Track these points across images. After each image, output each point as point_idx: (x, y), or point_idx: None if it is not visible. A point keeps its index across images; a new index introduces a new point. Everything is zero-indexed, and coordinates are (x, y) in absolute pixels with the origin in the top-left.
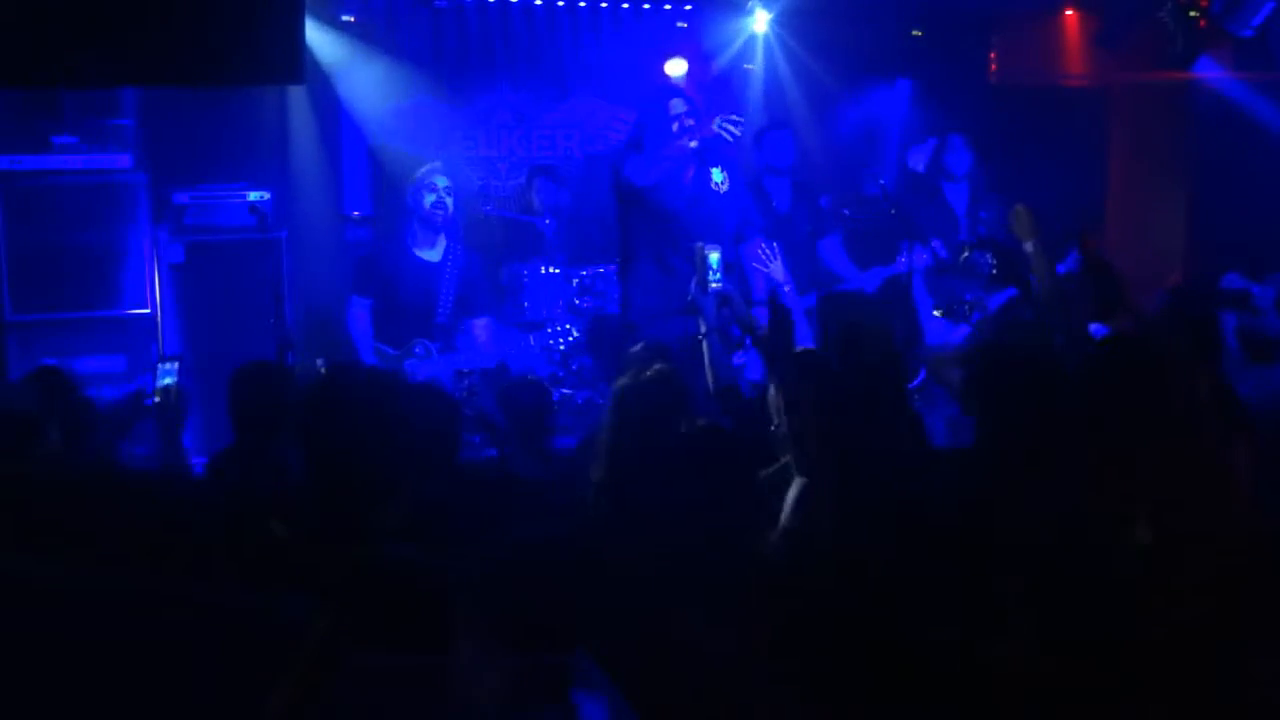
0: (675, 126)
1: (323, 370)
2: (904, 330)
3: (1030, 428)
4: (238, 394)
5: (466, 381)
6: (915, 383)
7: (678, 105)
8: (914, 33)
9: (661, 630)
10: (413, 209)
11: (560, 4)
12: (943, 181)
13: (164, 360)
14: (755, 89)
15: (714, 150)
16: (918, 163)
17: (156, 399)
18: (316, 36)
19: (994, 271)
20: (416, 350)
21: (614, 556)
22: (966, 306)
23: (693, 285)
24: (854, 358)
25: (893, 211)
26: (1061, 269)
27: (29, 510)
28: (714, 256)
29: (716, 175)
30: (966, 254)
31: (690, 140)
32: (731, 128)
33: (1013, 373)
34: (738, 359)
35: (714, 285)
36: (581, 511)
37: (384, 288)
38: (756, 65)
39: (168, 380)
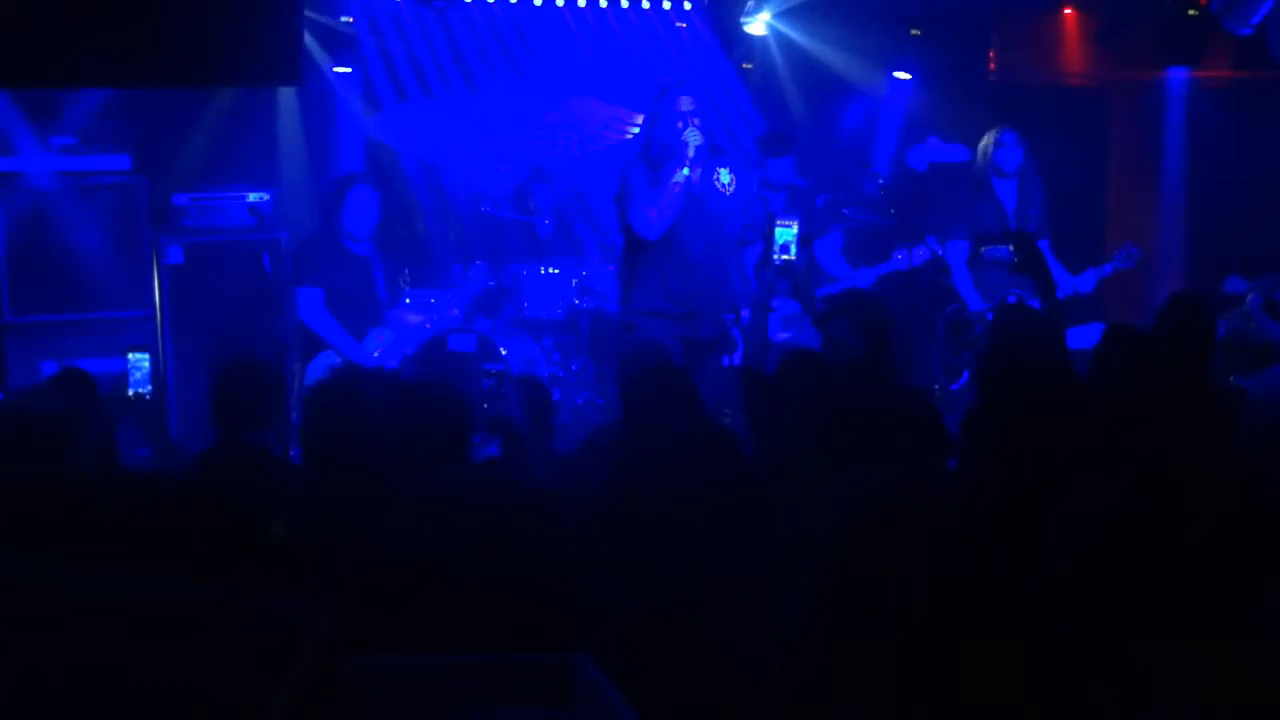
0: (681, 124)
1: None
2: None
3: (1038, 416)
4: (223, 389)
5: (491, 381)
6: (958, 385)
7: (686, 103)
8: (913, 32)
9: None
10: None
11: (560, 4)
12: (993, 178)
13: (134, 350)
14: (754, 89)
15: (720, 152)
16: (918, 162)
17: (141, 391)
18: (316, 37)
19: (1016, 260)
20: (374, 342)
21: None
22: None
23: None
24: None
25: (892, 211)
26: (1082, 286)
27: (65, 515)
28: (787, 232)
29: (724, 176)
30: (985, 247)
31: (695, 139)
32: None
33: (1020, 360)
34: (781, 334)
35: (783, 258)
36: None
37: (328, 277)
38: (755, 65)
39: (141, 372)
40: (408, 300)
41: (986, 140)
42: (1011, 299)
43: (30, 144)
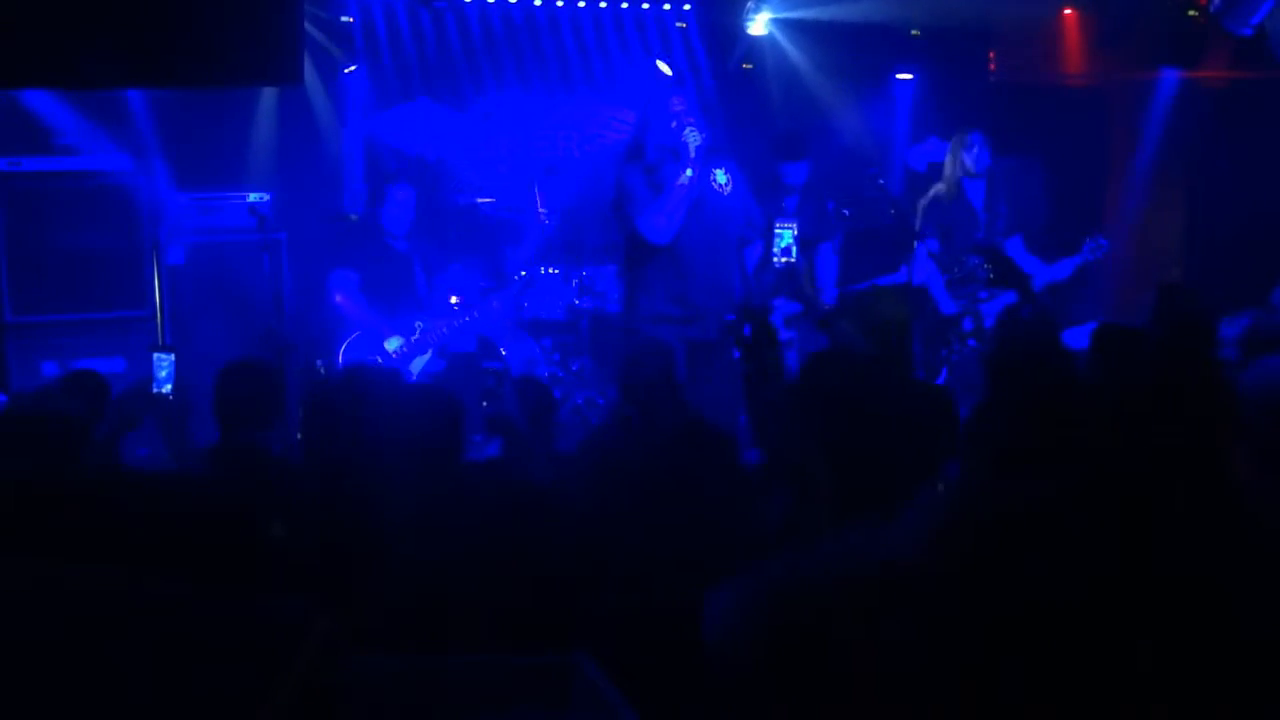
0: (674, 124)
1: (322, 371)
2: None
3: (1045, 415)
4: (225, 390)
5: (490, 380)
6: (937, 382)
7: (678, 104)
8: (913, 32)
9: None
10: (382, 213)
11: (560, 4)
12: (962, 178)
13: (159, 350)
14: (754, 88)
15: (717, 151)
16: (918, 163)
17: (164, 390)
18: (317, 36)
19: (991, 276)
20: (411, 328)
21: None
22: (976, 303)
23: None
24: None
25: (893, 212)
26: (1059, 274)
27: (66, 515)
28: (786, 233)
29: (720, 176)
30: (962, 259)
31: (694, 138)
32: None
33: (1026, 368)
34: (783, 335)
35: (782, 260)
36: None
37: (365, 267)
38: (755, 65)
39: (165, 371)
40: (454, 299)
41: (956, 141)
42: (984, 294)
43: (31, 144)
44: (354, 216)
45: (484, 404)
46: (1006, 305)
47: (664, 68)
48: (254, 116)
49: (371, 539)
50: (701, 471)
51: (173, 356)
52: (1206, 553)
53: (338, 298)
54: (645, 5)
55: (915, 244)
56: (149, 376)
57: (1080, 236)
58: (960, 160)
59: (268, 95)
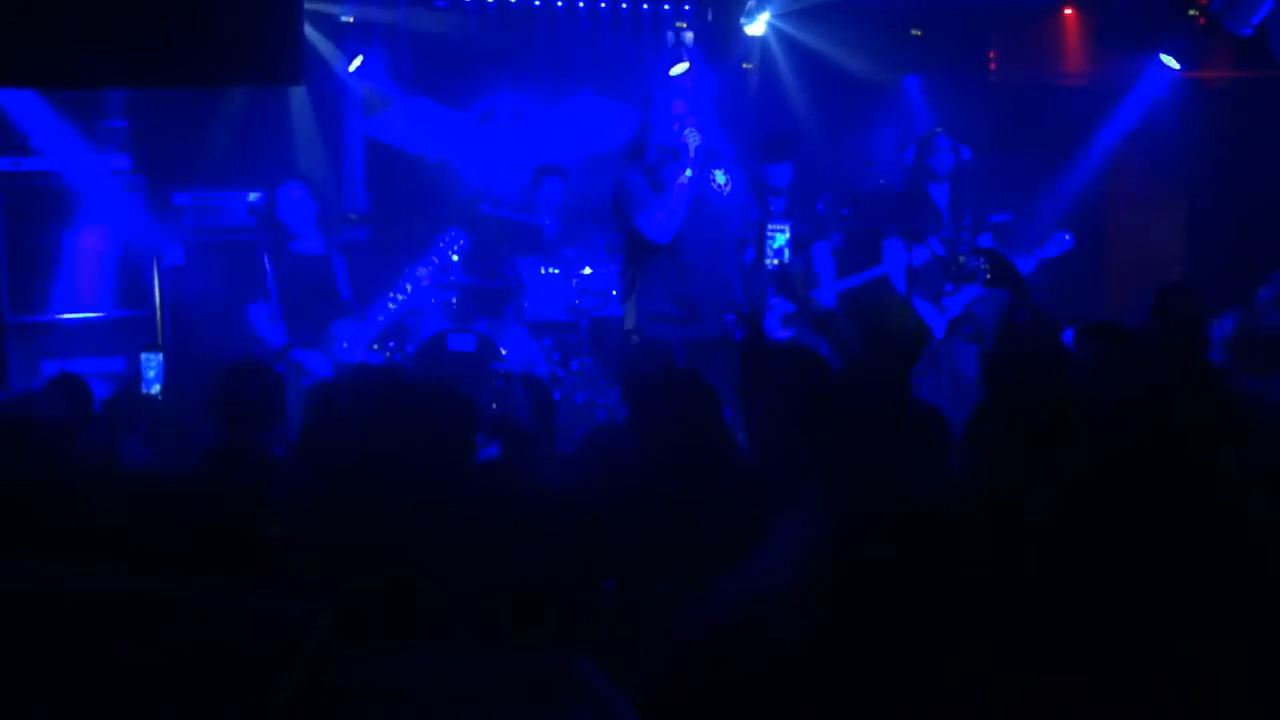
0: (676, 126)
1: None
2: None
3: (1045, 417)
4: (225, 390)
5: (499, 381)
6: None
7: (679, 105)
8: (913, 32)
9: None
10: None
11: (560, 4)
12: (927, 182)
13: (147, 350)
14: (753, 89)
15: (715, 152)
16: None
17: (153, 391)
18: (317, 36)
19: (988, 276)
20: (332, 339)
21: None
22: (944, 295)
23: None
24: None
25: (893, 210)
26: (1023, 268)
27: (65, 515)
28: (780, 236)
29: (720, 177)
30: (963, 260)
31: (694, 139)
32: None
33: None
34: (781, 333)
35: (774, 262)
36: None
37: (278, 286)
38: (755, 65)
39: (153, 371)
40: (398, 296)
41: (920, 144)
42: (949, 287)
43: (30, 143)
44: (354, 216)
45: (493, 405)
46: (1000, 304)
47: (679, 68)
48: (254, 116)
49: (372, 538)
50: (701, 471)
51: (161, 356)
52: (1198, 559)
53: (260, 333)
54: (645, 5)
55: (883, 241)
56: (138, 377)
57: (1084, 242)
58: (924, 163)
59: (268, 95)
